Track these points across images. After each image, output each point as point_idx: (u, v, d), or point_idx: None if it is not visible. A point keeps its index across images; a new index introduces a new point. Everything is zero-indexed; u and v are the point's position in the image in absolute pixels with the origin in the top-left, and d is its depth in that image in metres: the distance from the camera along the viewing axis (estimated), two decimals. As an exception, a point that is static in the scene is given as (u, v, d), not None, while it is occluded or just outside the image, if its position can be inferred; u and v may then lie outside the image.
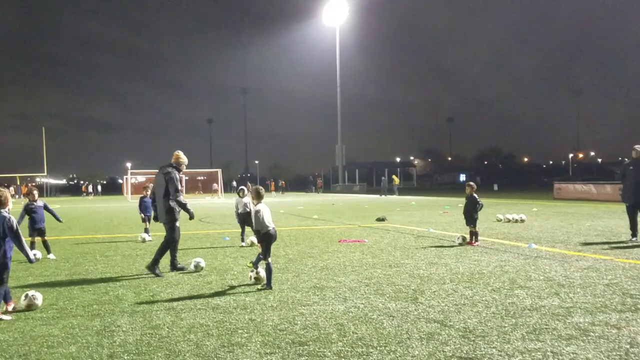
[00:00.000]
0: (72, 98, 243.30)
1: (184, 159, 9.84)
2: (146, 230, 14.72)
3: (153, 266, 9.22)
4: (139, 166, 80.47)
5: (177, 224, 9.60)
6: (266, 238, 8.08)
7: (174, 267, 9.58)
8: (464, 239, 12.35)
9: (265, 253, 8.02)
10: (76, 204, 48.43)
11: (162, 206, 9.54)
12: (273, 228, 8.11)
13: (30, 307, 6.78)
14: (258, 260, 8.46)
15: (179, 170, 9.73)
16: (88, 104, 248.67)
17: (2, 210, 6.55)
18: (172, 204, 9.45)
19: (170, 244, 9.57)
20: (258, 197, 8.30)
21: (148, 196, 14.58)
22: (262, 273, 8.12)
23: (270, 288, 7.74)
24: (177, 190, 9.45)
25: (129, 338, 5.52)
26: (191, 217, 9.76)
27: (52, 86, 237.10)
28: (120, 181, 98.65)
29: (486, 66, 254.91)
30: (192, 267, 9.50)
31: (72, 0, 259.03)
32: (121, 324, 6.07)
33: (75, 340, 5.48)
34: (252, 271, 8.32)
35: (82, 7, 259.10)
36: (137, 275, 9.27)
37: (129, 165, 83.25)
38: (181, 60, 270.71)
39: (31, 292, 6.94)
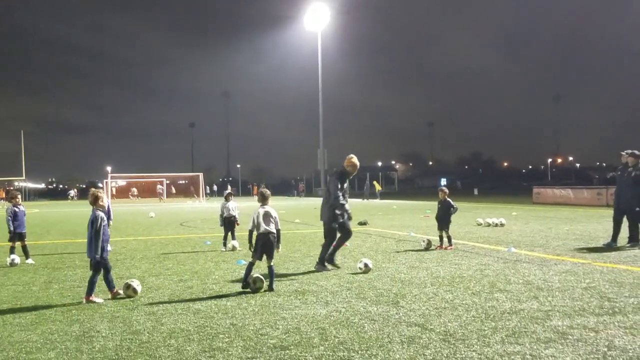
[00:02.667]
0: (43, 101, 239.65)
1: (348, 161, 10.11)
2: None
3: (326, 261, 9.70)
4: (119, 170, 79.78)
5: (335, 224, 9.81)
6: (257, 239, 8.15)
7: (321, 262, 9.79)
8: (429, 242, 12.45)
9: (253, 253, 8.08)
10: (56, 208, 47.84)
11: (323, 206, 10.13)
12: (267, 231, 8.11)
13: (135, 291, 7.71)
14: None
15: (343, 174, 10.02)
16: (61, 107, 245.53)
17: (97, 209, 7.64)
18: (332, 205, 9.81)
19: (326, 240, 9.93)
20: (261, 199, 8.46)
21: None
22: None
23: (247, 287, 7.81)
24: (331, 194, 9.89)
25: (108, 344, 5.47)
26: (329, 223, 9.89)
27: (21, 89, 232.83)
28: (100, 185, 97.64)
29: (467, 72, 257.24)
30: (361, 267, 9.46)
31: (37, 3, 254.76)
32: (101, 329, 6.02)
33: (54, 346, 5.42)
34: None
35: (49, 9, 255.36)
36: (117, 279, 9.17)
37: (109, 169, 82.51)
38: (160, 64, 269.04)
39: (131, 281, 7.87)
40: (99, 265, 7.57)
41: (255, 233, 8.23)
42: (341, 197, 9.80)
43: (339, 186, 9.84)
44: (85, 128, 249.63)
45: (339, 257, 11.27)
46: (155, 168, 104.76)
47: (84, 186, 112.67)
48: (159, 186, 65.80)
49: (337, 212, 9.78)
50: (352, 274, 9.26)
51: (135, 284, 7.85)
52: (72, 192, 79.53)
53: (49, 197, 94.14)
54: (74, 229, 20.78)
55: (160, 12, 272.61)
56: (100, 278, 7.63)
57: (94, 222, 7.57)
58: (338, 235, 9.90)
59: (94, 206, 7.73)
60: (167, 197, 64.90)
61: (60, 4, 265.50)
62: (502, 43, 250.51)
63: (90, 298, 7.43)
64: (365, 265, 9.42)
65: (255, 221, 8.21)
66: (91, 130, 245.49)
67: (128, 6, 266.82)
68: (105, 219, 7.71)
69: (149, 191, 70.60)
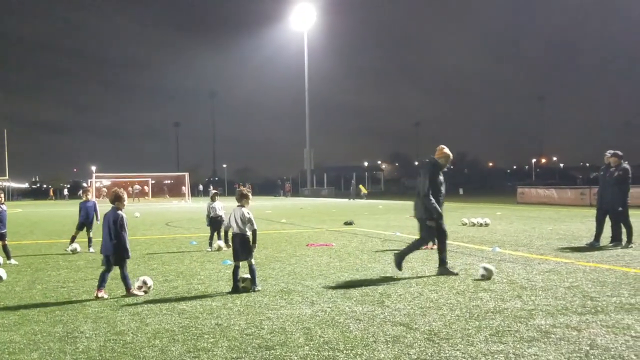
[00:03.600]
0: (26, 101, 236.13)
1: (440, 152, 9.39)
2: (73, 239, 13.38)
3: (444, 268, 9.06)
4: (103, 170, 79.23)
5: (431, 223, 9.05)
6: (232, 240, 8.14)
7: (443, 264, 9.12)
8: None
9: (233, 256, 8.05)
10: (39, 207, 47.39)
11: (416, 202, 9.30)
12: (238, 231, 8.02)
13: (146, 292, 7.78)
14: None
15: (436, 166, 9.27)
16: (45, 106, 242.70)
17: (120, 208, 7.88)
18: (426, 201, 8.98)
19: (421, 242, 9.40)
20: (239, 198, 8.35)
21: (89, 200, 14.09)
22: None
23: (237, 292, 7.72)
24: (423, 188, 9.02)
25: (92, 344, 5.44)
26: (425, 220, 9.13)
27: (3, 88, 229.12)
28: (85, 185, 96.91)
29: (453, 72, 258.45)
30: (483, 274, 8.53)
31: (17, 1, 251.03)
32: (84, 330, 5.98)
33: (37, 347, 5.38)
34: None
35: (29, 8, 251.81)
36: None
37: (93, 168, 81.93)
38: (145, 63, 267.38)
39: (143, 277, 8.00)
40: (116, 262, 7.81)
41: (230, 233, 8.23)
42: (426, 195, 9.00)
43: (433, 180, 9.09)
44: (69, 127, 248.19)
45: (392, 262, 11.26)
46: (140, 168, 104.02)
47: (69, 185, 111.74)
48: (136, 186, 65.36)
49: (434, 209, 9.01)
50: (339, 273, 9.28)
51: (149, 284, 7.94)
52: (65, 193, 78.92)
53: (33, 197, 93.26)
54: (58, 229, 20.59)
55: (145, 11, 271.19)
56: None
57: (116, 221, 7.75)
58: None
59: (114, 205, 7.92)
60: (142, 197, 64.35)
61: (42, 2, 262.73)
62: (487, 44, 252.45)
63: (131, 291, 7.74)
64: (487, 270, 8.57)
65: (228, 221, 8.26)
66: (75, 130, 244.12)
67: (112, 4, 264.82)
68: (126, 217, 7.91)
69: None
